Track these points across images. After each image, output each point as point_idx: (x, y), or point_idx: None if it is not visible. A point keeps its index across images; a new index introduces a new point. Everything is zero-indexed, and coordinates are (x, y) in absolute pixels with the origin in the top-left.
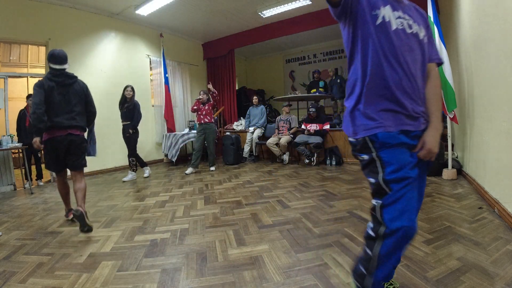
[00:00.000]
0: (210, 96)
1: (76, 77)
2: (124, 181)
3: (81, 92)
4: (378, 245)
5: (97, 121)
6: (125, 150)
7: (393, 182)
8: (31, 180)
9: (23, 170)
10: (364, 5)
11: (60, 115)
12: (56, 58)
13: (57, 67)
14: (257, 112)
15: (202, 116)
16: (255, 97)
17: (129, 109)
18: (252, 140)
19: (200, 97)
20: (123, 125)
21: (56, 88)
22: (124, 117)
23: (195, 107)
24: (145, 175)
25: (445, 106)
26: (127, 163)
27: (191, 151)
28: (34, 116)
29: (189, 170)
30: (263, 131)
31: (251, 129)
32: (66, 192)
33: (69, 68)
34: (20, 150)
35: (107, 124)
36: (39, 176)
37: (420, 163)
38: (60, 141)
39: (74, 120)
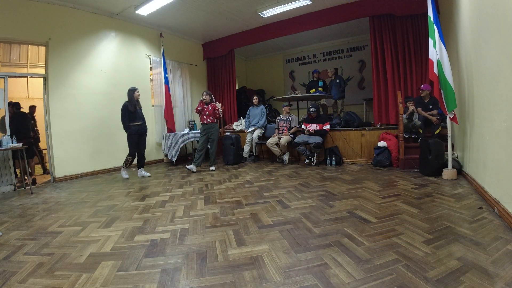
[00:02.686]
0: (213, 98)
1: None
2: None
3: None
4: None
5: (97, 121)
6: (126, 150)
7: None
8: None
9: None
10: None
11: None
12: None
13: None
14: (257, 112)
15: (205, 117)
16: (255, 97)
17: (141, 110)
18: (252, 140)
19: (204, 97)
20: (139, 125)
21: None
22: (137, 117)
23: (199, 108)
24: (125, 176)
25: (445, 106)
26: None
27: (191, 151)
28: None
29: (191, 166)
30: (263, 131)
31: (251, 129)
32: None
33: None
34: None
35: (107, 125)
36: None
37: None
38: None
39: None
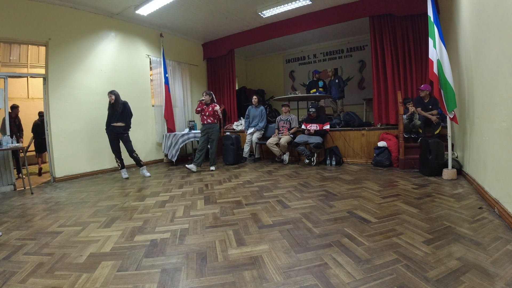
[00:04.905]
0: (214, 97)
1: None
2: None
3: None
4: None
5: (97, 121)
6: (125, 150)
7: None
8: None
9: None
10: None
11: None
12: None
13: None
14: (257, 113)
15: (205, 117)
16: (254, 97)
17: (120, 111)
18: (252, 141)
19: (203, 98)
20: (115, 126)
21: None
22: (114, 119)
23: (199, 108)
24: (125, 176)
25: (445, 106)
26: (128, 163)
27: (191, 151)
28: None
29: (191, 165)
30: (262, 132)
31: (251, 130)
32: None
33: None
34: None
35: None
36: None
37: None
38: None
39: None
